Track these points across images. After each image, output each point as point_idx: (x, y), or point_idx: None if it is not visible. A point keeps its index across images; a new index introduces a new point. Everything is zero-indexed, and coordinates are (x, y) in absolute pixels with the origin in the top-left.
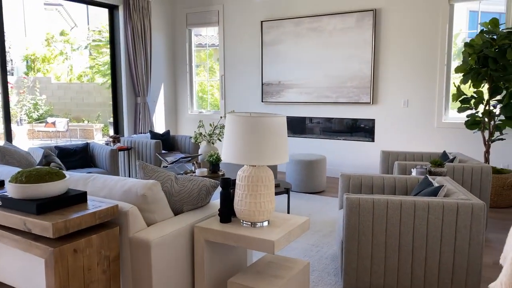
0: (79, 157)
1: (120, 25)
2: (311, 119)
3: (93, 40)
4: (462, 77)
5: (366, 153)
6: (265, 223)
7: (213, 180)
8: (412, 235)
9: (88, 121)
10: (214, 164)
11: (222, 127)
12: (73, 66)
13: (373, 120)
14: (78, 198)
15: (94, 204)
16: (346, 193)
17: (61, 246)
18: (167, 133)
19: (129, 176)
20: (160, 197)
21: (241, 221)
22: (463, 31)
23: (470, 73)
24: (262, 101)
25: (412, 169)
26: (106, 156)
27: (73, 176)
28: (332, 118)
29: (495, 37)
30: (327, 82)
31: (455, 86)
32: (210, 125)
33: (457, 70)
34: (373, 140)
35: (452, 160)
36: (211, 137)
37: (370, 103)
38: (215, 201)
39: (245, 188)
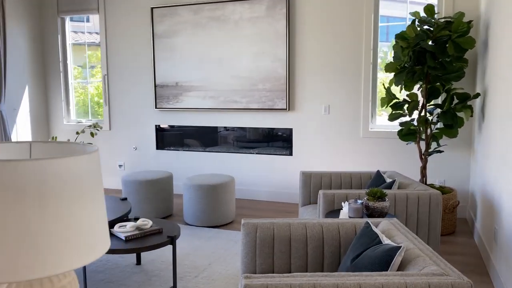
0: None
1: None
2: (216, 129)
3: None
4: (393, 77)
5: (284, 169)
6: None
7: None
8: None
9: None
10: None
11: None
12: None
13: (290, 130)
14: None
15: None
16: (246, 278)
17: None
18: None
19: None
20: None
21: None
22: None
23: (403, 72)
24: (156, 107)
25: (343, 204)
26: None
27: None
28: (243, 128)
29: (431, 28)
30: (235, 84)
31: (384, 88)
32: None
33: (387, 68)
34: (291, 154)
35: (390, 185)
36: None
37: (286, 109)
38: None
39: None
